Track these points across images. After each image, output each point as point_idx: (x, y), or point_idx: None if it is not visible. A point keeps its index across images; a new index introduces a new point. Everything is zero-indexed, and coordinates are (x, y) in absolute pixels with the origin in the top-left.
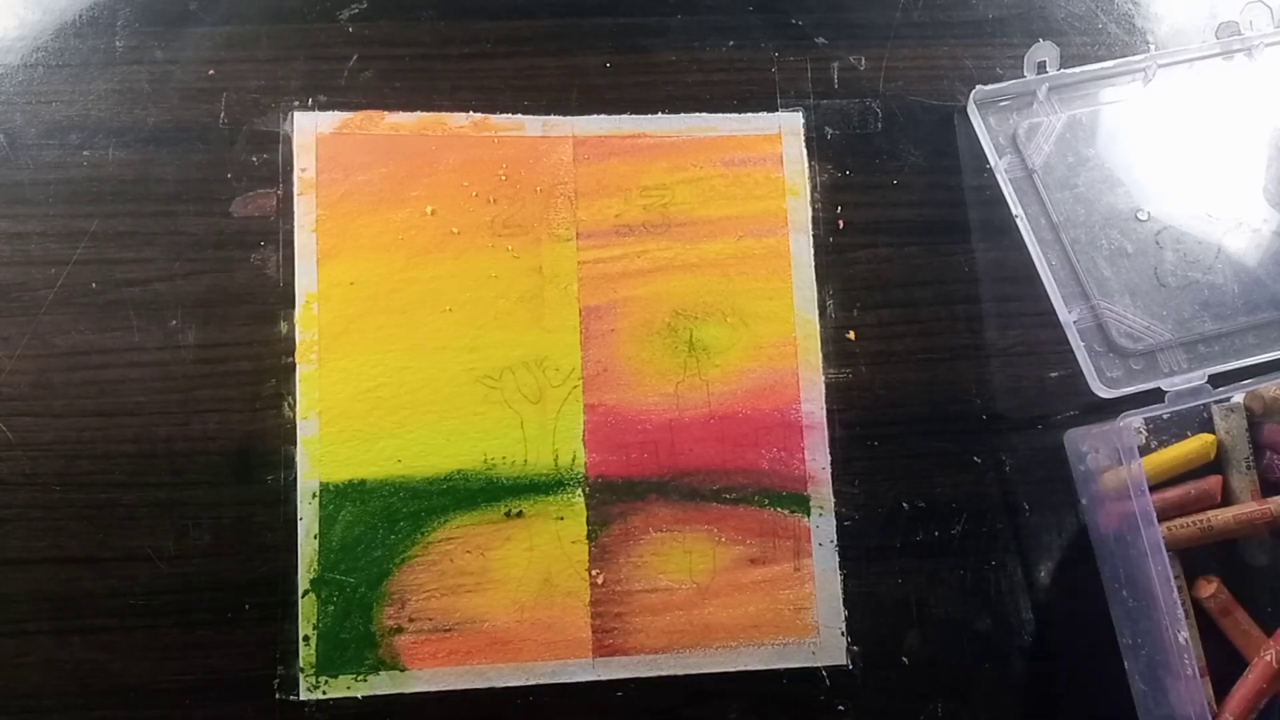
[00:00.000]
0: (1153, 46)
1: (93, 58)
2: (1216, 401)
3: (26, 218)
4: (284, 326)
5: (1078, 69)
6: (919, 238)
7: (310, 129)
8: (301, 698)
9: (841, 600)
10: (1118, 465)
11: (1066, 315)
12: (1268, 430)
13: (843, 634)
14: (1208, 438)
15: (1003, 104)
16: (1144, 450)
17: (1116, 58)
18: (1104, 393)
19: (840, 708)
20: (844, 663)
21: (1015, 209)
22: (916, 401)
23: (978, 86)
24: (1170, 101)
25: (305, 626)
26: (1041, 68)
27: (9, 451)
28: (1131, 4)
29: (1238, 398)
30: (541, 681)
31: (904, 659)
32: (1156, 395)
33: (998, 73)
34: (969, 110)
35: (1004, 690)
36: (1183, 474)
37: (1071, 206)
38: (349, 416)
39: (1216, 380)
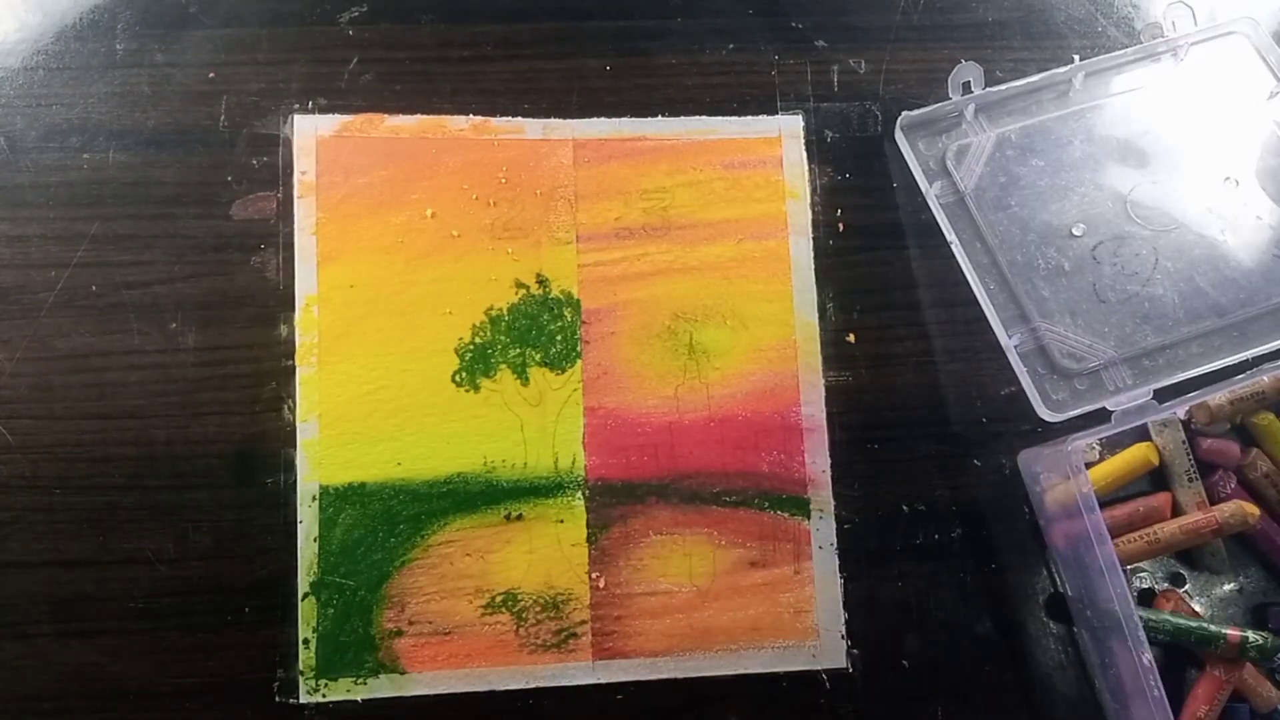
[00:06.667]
0: None
1: (93, 61)
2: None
3: (27, 220)
4: (284, 329)
5: (1002, 86)
6: (919, 240)
7: (310, 132)
8: (301, 700)
9: (841, 603)
10: (1066, 483)
11: (1007, 340)
12: (1208, 446)
13: (843, 637)
14: (1149, 445)
15: (932, 127)
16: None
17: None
18: (1049, 417)
19: (840, 711)
20: (844, 666)
21: (949, 235)
22: (917, 404)
23: (904, 113)
24: (1098, 110)
25: (305, 629)
26: (966, 88)
27: (9, 454)
28: (1131, 7)
29: (1179, 412)
30: (541, 685)
31: (904, 662)
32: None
33: (998, 75)
34: (896, 136)
35: (1004, 693)
36: (1130, 484)
37: (1006, 227)
38: (349, 419)
39: (1163, 395)
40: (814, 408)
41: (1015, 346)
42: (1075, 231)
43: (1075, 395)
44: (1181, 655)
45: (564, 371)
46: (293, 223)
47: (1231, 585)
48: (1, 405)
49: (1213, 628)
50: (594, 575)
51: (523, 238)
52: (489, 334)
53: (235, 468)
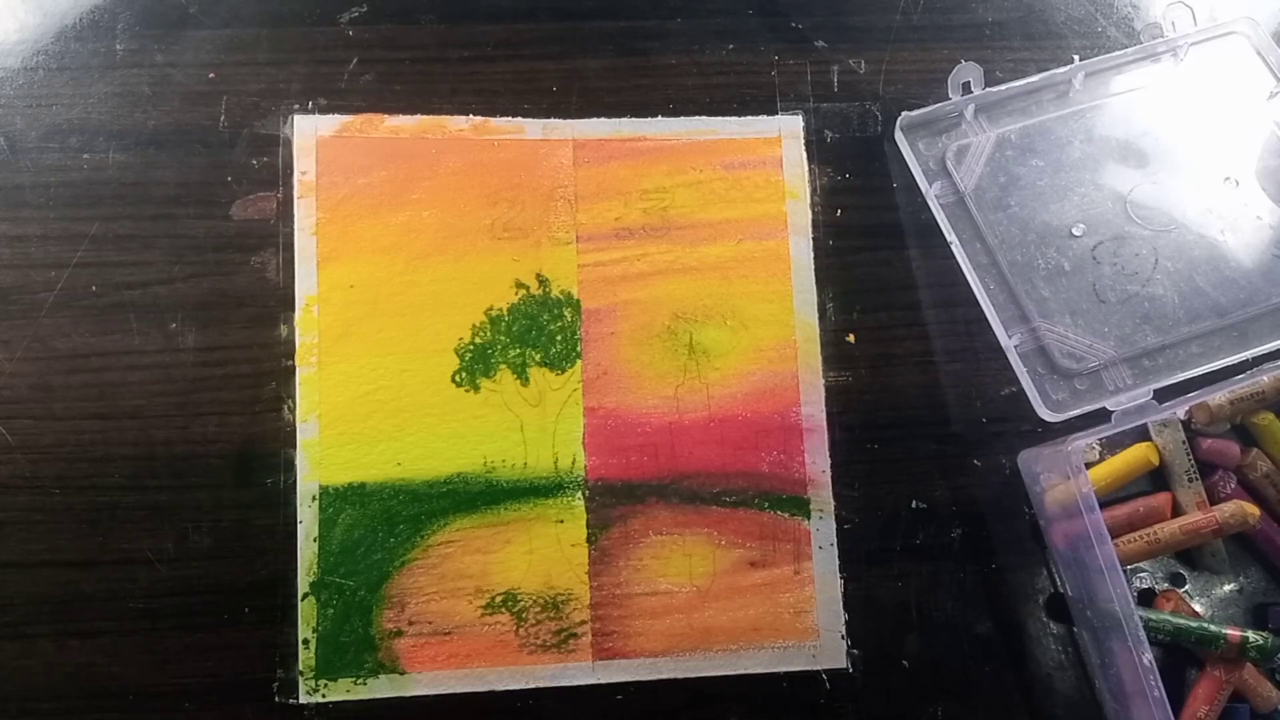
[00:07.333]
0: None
1: (93, 61)
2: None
3: (27, 221)
4: (284, 329)
5: (1002, 86)
6: (919, 240)
7: (310, 132)
8: (301, 701)
9: (841, 603)
10: (1066, 483)
11: (1007, 340)
12: (1208, 446)
13: (843, 637)
14: (1149, 445)
15: (932, 127)
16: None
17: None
18: (1049, 417)
19: (840, 711)
20: (844, 666)
21: (949, 235)
22: (916, 404)
23: (904, 113)
24: (1098, 110)
25: (305, 630)
26: (966, 88)
27: (9, 454)
28: (1131, 7)
29: (1179, 412)
30: (541, 685)
31: (904, 662)
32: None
33: (998, 75)
34: (896, 136)
35: (1004, 693)
36: (1130, 484)
37: (1006, 228)
38: (349, 419)
39: (1162, 395)
40: (814, 408)
41: (1015, 346)
42: (1075, 231)
43: (1075, 395)
44: (1181, 655)
45: (564, 371)
46: (293, 223)
47: (1231, 585)
48: (1, 405)
49: (1213, 628)
50: (594, 575)
51: (523, 238)
52: (489, 334)
53: (235, 468)
